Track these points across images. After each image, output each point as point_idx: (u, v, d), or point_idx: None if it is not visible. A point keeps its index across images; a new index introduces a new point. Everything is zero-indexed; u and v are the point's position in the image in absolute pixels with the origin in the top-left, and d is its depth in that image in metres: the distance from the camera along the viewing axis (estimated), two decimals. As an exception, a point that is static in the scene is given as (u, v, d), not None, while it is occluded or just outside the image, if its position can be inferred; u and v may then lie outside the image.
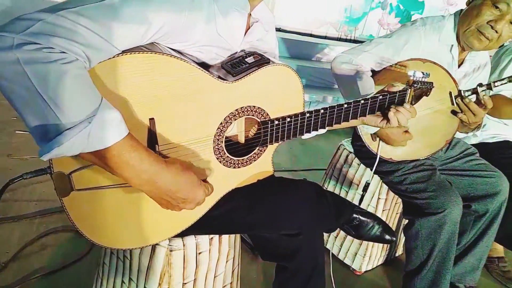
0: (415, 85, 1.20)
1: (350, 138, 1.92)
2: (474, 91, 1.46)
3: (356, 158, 1.83)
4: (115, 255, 1.21)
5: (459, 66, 1.61)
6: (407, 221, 1.69)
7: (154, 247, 1.06)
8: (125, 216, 0.86)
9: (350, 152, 1.87)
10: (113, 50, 0.70)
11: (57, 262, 1.58)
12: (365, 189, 1.62)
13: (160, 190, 0.76)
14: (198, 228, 1.01)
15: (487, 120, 2.02)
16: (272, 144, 1.01)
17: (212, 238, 1.15)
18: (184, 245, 1.09)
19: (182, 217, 0.95)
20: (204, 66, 0.91)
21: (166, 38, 0.80)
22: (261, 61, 0.92)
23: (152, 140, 0.81)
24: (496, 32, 1.41)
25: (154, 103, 0.79)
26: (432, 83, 1.25)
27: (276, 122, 0.97)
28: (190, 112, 0.84)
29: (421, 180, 1.52)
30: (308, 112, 1.01)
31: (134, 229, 0.89)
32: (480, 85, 1.47)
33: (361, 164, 1.80)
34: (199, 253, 1.14)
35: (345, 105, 1.07)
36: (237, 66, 0.91)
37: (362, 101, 1.10)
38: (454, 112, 1.50)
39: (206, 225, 1.00)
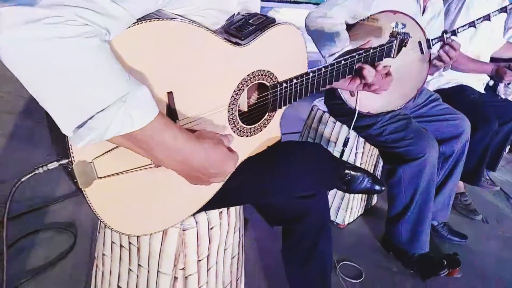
0: (399, 36, 1.23)
1: (322, 98, 1.95)
2: (441, 39, 1.54)
3: (331, 116, 1.86)
4: (117, 244, 1.14)
5: (422, 14, 1.68)
6: (379, 171, 1.78)
7: (165, 230, 1.01)
8: (148, 200, 0.81)
9: (324, 112, 1.90)
10: (130, 19, 0.63)
11: (40, 263, 1.47)
12: (345, 144, 1.67)
13: (193, 168, 0.72)
14: (213, 203, 0.98)
15: None
16: (281, 108, 0.99)
17: (221, 212, 1.13)
18: (196, 222, 1.05)
19: (200, 194, 0.91)
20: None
21: (174, 2, 0.73)
22: (267, 21, 0.88)
23: (172, 115, 0.75)
24: None
25: (170, 75, 0.72)
26: (409, 33, 1.29)
27: (285, 85, 0.94)
28: (205, 81, 0.79)
29: (399, 130, 1.60)
30: (311, 71, 1.00)
31: (157, 213, 0.84)
32: (445, 32, 1.55)
33: (337, 122, 1.85)
34: (211, 228, 1.11)
35: (343, 61, 1.07)
36: (243, 28, 0.86)
37: (357, 56, 1.10)
38: (429, 61, 1.57)
39: (222, 199, 0.97)
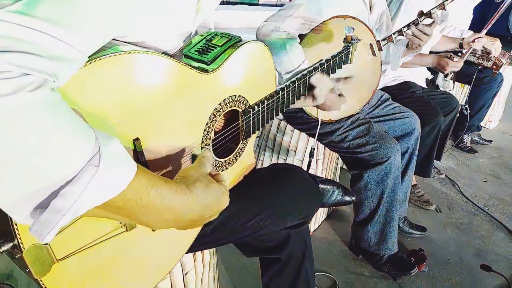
0: (353, 41, 1.19)
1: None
2: (390, 39, 1.55)
3: (288, 125, 1.80)
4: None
5: (370, 13, 1.68)
6: (338, 174, 1.76)
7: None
8: (121, 269, 0.66)
9: (281, 120, 1.84)
10: (82, 58, 0.49)
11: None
12: (312, 154, 1.62)
13: (187, 220, 0.59)
14: (193, 248, 0.86)
15: (386, 66, 2.20)
16: (254, 133, 0.89)
17: (195, 253, 1.01)
18: (169, 271, 0.92)
19: (178, 243, 0.79)
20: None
21: (131, 27, 0.60)
22: (232, 40, 0.77)
23: (140, 164, 0.62)
24: None
25: (134, 118, 0.59)
26: (357, 36, 1.26)
27: (257, 108, 0.85)
28: (174, 118, 0.66)
29: (362, 134, 1.57)
30: (280, 89, 0.91)
31: (132, 281, 0.70)
32: (394, 33, 1.56)
33: (295, 130, 1.79)
34: (185, 274, 0.99)
35: (308, 74, 1.00)
36: (207, 51, 0.74)
37: (320, 67, 1.04)
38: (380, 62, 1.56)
39: (202, 242, 0.85)
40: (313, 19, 1.47)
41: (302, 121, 1.67)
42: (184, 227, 0.61)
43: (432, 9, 1.62)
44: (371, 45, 1.55)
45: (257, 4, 3.29)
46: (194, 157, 0.73)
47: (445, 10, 1.66)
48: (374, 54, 1.57)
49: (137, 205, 0.50)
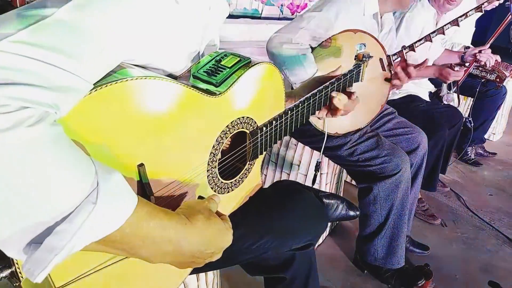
0: (364, 59, 1.18)
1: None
2: (400, 54, 1.54)
3: (292, 138, 1.79)
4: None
5: (381, 30, 1.68)
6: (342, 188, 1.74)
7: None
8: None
9: (284, 134, 1.82)
10: (86, 86, 0.48)
11: None
12: (317, 168, 1.59)
13: (186, 255, 0.57)
14: (195, 270, 0.84)
15: None
16: (262, 154, 0.87)
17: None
18: (173, 293, 0.90)
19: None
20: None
21: (138, 52, 0.59)
22: (242, 62, 0.76)
23: (144, 191, 0.60)
24: None
25: (139, 143, 0.58)
26: (369, 53, 1.25)
27: (265, 129, 0.83)
28: (180, 142, 0.65)
29: (371, 148, 1.55)
30: (289, 109, 0.90)
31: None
32: (404, 47, 1.55)
33: (299, 144, 1.77)
34: (189, 295, 0.96)
35: (318, 94, 0.99)
36: (216, 72, 0.73)
37: (330, 86, 1.03)
38: (387, 80, 1.55)
39: (205, 264, 0.84)
40: (323, 33, 1.47)
41: (307, 134, 1.65)
42: (183, 263, 0.59)
43: (445, 25, 1.61)
44: (381, 59, 1.54)
45: (259, 18, 3.29)
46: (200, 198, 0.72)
47: (458, 26, 1.65)
48: (383, 69, 1.57)
49: (135, 238, 0.49)
